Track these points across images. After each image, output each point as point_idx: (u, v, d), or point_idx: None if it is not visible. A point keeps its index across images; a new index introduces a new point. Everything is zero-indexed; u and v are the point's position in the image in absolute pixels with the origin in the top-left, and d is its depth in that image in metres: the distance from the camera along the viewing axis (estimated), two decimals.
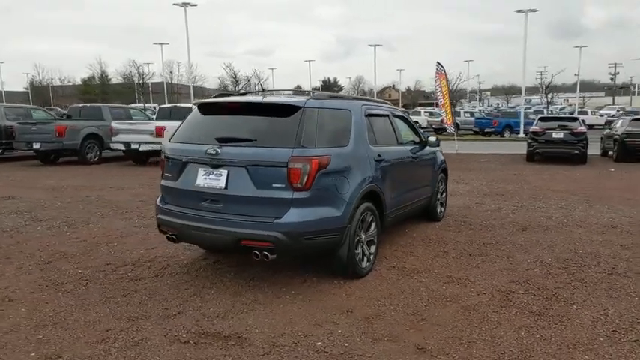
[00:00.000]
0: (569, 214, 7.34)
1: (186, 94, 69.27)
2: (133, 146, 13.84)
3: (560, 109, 49.42)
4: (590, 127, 38.04)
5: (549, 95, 39.94)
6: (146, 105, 37.18)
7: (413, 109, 41.35)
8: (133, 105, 30.11)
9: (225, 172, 3.93)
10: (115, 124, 14.15)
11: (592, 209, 7.69)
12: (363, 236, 4.39)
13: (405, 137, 5.74)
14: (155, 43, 54.87)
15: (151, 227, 6.33)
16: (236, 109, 4.32)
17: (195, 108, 4.54)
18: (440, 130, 26.48)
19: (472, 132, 30.23)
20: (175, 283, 4.29)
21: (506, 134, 29.34)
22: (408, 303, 3.87)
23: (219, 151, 3.93)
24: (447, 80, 20.18)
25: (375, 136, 4.82)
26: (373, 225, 4.55)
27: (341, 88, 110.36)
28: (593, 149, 16.74)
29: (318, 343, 3.19)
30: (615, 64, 72.53)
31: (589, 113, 42.15)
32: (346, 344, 3.18)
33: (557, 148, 14.86)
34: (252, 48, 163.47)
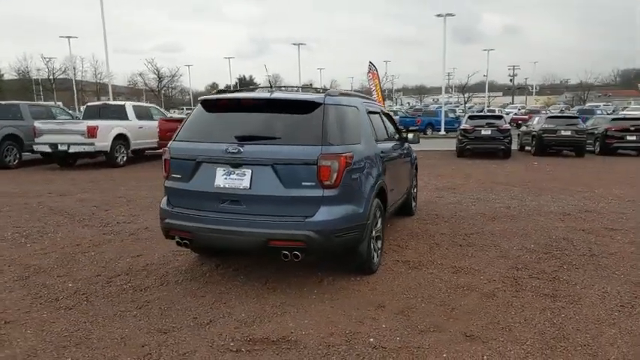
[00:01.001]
0: (523, 204, 7.94)
1: (90, 92, 64.66)
2: (61, 147, 12.71)
3: (469, 108, 53.11)
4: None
5: (466, 95, 42.72)
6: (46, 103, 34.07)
7: None
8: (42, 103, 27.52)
9: (248, 172, 3.78)
10: (38, 124, 12.90)
11: (539, 199, 8.39)
12: (373, 232, 4.45)
13: (391, 134, 5.88)
14: (62, 37, 50.19)
15: (122, 234, 5.92)
16: (251, 105, 4.17)
17: (199, 105, 4.30)
18: None
19: None
20: (187, 291, 4.05)
21: (429, 132, 30.93)
22: (431, 294, 3.99)
23: (241, 150, 3.77)
24: (379, 79, 20.85)
25: (376, 133, 4.90)
26: (380, 221, 4.62)
27: (257, 86, 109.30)
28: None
29: (371, 340, 3.19)
30: (514, 66, 79.23)
31: (496, 111, 45.65)
32: (397, 338, 3.22)
33: (486, 143, 15.98)
34: (161, 44, 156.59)
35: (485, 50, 50.08)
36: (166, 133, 13.52)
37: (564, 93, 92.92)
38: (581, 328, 3.35)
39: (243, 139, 3.83)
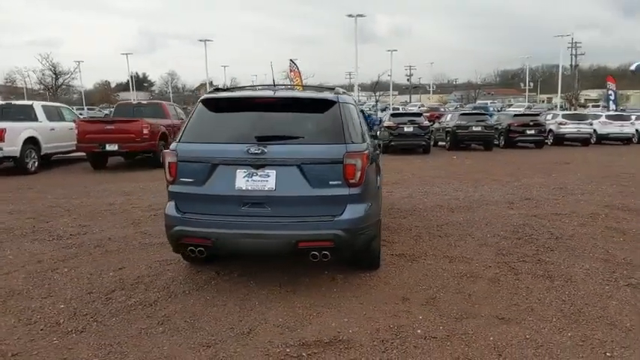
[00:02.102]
0: (468, 195, 8.56)
1: None
2: None
3: (372, 106, 55.32)
4: None
5: (377, 94, 44.48)
6: None
7: None
8: None
9: (273, 172, 3.67)
10: None
11: (479, 190, 9.10)
12: None
13: (367, 130, 6.01)
14: None
15: (86, 247, 5.41)
16: (264, 104, 4.03)
17: (199, 104, 4.06)
18: None
19: None
20: (203, 301, 3.83)
21: None
22: (443, 284, 4.19)
23: (265, 150, 3.64)
24: (301, 78, 21.01)
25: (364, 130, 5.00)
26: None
27: (152, 84, 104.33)
28: None
29: (418, 331, 3.29)
30: (410, 66, 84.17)
31: (400, 109, 48.16)
32: (440, 327, 3.35)
33: (409, 140, 16.87)
34: (36, 39, 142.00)
35: (389, 51, 52.62)
36: (86, 135, 12.47)
37: (453, 92, 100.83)
38: (588, 302, 3.75)
39: (264, 139, 3.71)
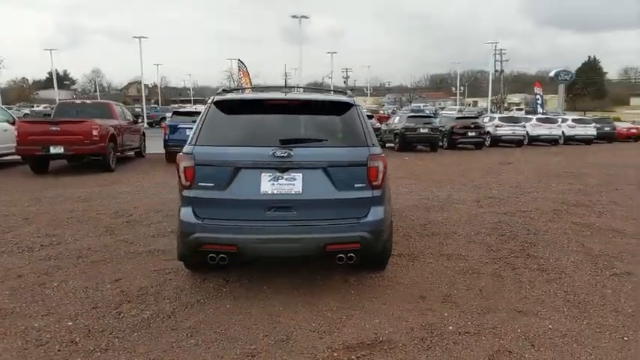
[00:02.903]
0: (435, 195, 8.90)
1: None
2: None
3: None
4: None
5: None
6: None
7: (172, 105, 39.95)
8: None
9: (299, 176, 3.63)
10: None
11: (443, 190, 9.49)
12: None
13: None
14: None
15: (66, 259, 5.04)
16: (282, 106, 3.96)
17: (211, 106, 3.93)
18: None
19: None
20: (225, 310, 3.71)
21: None
22: (451, 281, 4.35)
23: (291, 153, 3.60)
24: (250, 78, 20.77)
25: None
26: None
27: (73, 82, 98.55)
28: None
29: (450, 328, 3.41)
30: (347, 69, 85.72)
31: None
32: (469, 323, 3.49)
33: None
34: None
35: (329, 53, 53.24)
36: (28, 137, 11.54)
37: (387, 95, 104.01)
38: (587, 292, 4.06)
39: (288, 142, 3.66)
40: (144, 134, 16.34)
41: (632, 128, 27.01)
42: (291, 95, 4.24)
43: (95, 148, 11.77)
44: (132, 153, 14.91)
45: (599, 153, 19.17)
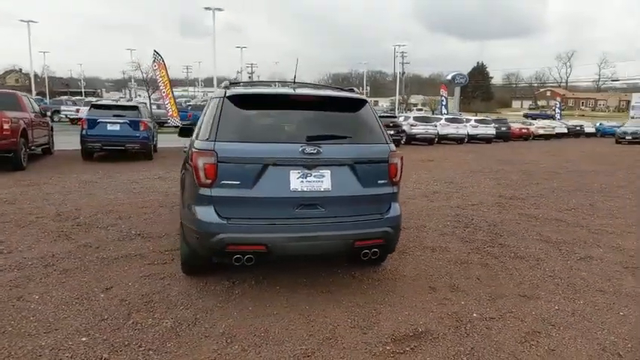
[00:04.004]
0: None
1: None
2: None
3: (203, 101, 53.80)
4: None
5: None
6: None
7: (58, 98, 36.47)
8: None
9: (327, 173, 3.60)
10: None
11: None
12: None
13: None
14: None
15: (30, 268, 4.50)
16: (300, 103, 3.87)
17: (225, 100, 3.73)
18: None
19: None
20: (249, 313, 3.58)
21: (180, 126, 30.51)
22: (448, 272, 4.60)
23: (320, 150, 3.55)
24: (167, 70, 19.71)
25: None
26: None
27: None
28: None
29: (475, 315, 3.62)
30: (252, 64, 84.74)
31: None
32: (487, 309, 3.74)
33: None
34: None
35: (238, 47, 52.23)
36: None
37: None
38: (569, 275, 4.55)
39: (315, 139, 3.61)
40: (52, 129, 14.84)
41: (523, 128, 30.23)
42: (310, 91, 4.18)
43: (7, 143, 10.45)
44: (39, 150, 13.45)
45: (502, 151, 21.17)
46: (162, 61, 19.53)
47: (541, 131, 31.38)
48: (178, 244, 5.28)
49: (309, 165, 3.57)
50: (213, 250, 3.51)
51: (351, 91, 4.28)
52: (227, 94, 3.76)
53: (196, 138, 3.96)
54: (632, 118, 37.16)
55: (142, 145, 13.31)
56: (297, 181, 3.54)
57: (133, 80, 54.49)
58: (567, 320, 3.55)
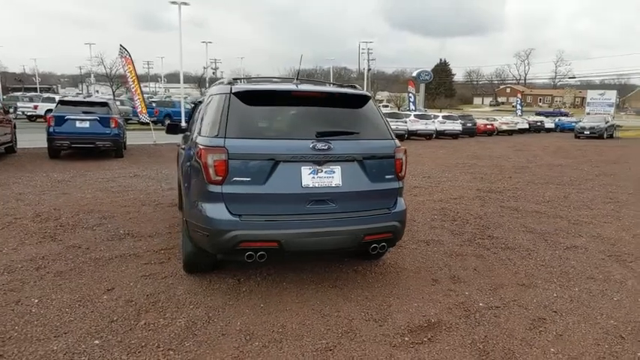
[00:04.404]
0: None
1: None
2: None
3: (167, 97, 52.35)
4: None
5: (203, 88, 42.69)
6: None
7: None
8: None
9: (337, 168, 3.62)
10: None
11: None
12: None
13: None
14: None
15: (19, 271, 4.33)
16: (307, 99, 3.86)
17: (231, 96, 3.68)
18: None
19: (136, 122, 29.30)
20: (261, 310, 3.57)
21: (167, 123, 29.91)
22: (446, 264, 4.71)
23: (331, 146, 3.57)
24: (134, 65, 19.12)
25: None
26: None
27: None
28: None
29: (481, 304, 3.74)
30: (215, 59, 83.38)
31: None
32: (491, 298, 3.87)
33: None
34: None
35: (203, 43, 51.37)
36: None
37: None
38: (560, 264, 4.75)
39: (325, 135, 3.62)
40: (15, 126, 14.19)
41: (487, 124, 31.09)
42: (316, 87, 4.18)
43: None
44: (2, 149, 12.85)
45: (470, 146, 21.71)
46: (130, 55, 18.92)
47: (504, 127, 32.38)
48: (171, 242, 5.21)
49: (319, 161, 3.58)
50: (225, 247, 3.47)
51: (353, 87, 4.31)
52: (233, 90, 3.71)
53: (199, 134, 3.90)
54: (588, 113, 38.85)
55: (114, 143, 12.93)
56: (309, 177, 3.55)
57: (92, 76, 52.59)
58: (567, 307, 3.72)
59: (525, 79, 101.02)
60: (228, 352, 2.94)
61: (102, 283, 4.04)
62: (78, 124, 12.44)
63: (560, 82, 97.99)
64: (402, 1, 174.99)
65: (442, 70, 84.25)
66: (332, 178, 3.61)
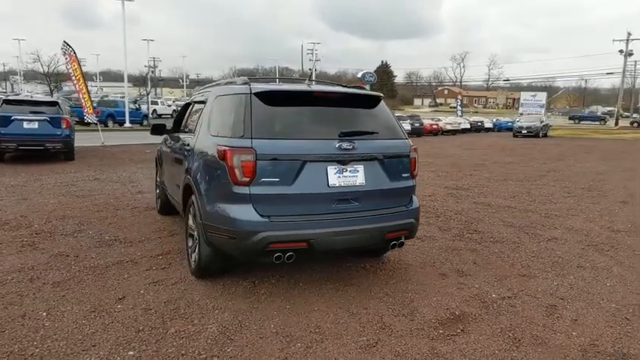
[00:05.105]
0: None
1: None
2: None
3: (103, 97, 50.06)
4: (159, 115, 42.07)
5: (149, 88, 41.00)
6: None
7: None
8: None
9: (360, 168, 3.67)
10: None
11: None
12: None
13: None
14: None
15: (14, 282, 4.06)
16: (325, 99, 3.87)
17: (252, 97, 3.63)
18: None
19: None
20: (290, 312, 3.55)
21: (110, 124, 28.65)
22: (447, 258, 4.89)
23: (355, 146, 3.62)
24: (79, 64, 18.12)
25: None
26: None
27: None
28: None
29: (494, 295, 3.93)
30: (154, 58, 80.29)
31: (159, 103, 46.01)
32: (501, 290, 4.07)
33: None
34: None
35: (145, 40, 49.46)
36: None
37: (196, 87, 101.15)
38: (549, 255, 5.06)
39: (348, 135, 3.66)
40: None
41: (433, 124, 32.29)
42: (335, 88, 4.21)
43: None
44: None
45: (421, 145, 22.25)
46: (74, 52, 17.90)
47: (449, 127, 33.76)
48: (164, 247, 5.04)
49: (344, 160, 3.62)
50: (254, 249, 3.42)
51: (360, 88, 4.38)
52: (253, 91, 3.66)
53: (214, 135, 3.81)
54: (521, 114, 41.31)
55: (65, 145, 12.20)
56: (335, 177, 3.58)
57: (20, 73, 49.08)
58: (571, 294, 3.99)
59: (461, 81, 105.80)
60: (273, 355, 2.91)
61: (109, 292, 3.85)
62: (26, 124, 11.64)
63: (493, 84, 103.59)
64: (339, 2, 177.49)
65: (384, 71, 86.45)
66: (356, 177, 3.66)
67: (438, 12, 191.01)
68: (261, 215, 3.42)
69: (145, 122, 31.30)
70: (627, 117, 57.45)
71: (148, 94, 38.57)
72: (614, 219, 6.78)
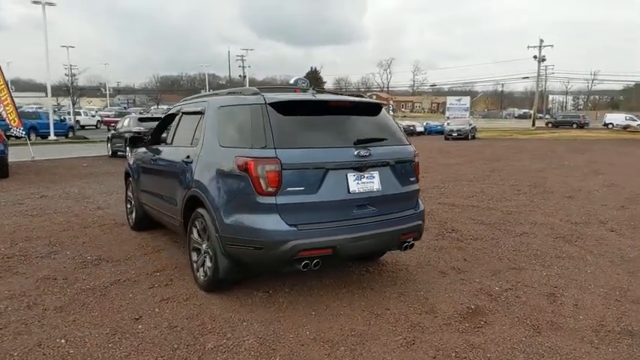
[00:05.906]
0: None
1: None
2: None
3: (59, 109, 47.01)
4: (83, 127, 39.86)
5: (76, 98, 38.25)
6: None
7: None
8: None
9: (376, 174, 3.81)
10: None
11: None
12: None
13: None
14: None
15: (6, 313, 3.77)
16: (338, 107, 3.98)
17: (268, 107, 3.66)
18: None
19: None
20: (318, 319, 3.60)
21: (33, 137, 26.62)
22: (438, 258, 5.15)
23: (371, 153, 3.75)
24: (2, 72, 16.75)
25: None
26: None
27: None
28: None
29: (496, 289, 4.22)
30: (71, 66, 75.80)
31: (82, 114, 43.47)
32: (499, 282, 4.37)
33: None
34: None
35: (64, 47, 46.49)
36: None
37: (117, 96, 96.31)
38: (527, 248, 5.48)
39: (363, 142, 3.79)
40: None
41: None
42: (346, 97, 4.30)
43: None
44: None
45: None
46: None
47: None
48: (157, 264, 4.88)
49: (361, 167, 3.74)
50: (283, 258, 3.44)
51: (361, 96, 4.53)
52: (268, 101, 3.69)
53: (229, 146, 3.79)
54: (448, 118, 43.67)
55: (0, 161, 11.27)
56: (354, 183, 3.69)
57: None
58: (561, 282, 4.38)
59: (388, 87, 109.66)
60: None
61: (121, 313, 3.69)
62: None
63: (418, 90, 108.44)
64: (263, 10, 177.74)
65: (314, 77, 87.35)
66: (373, 183, 3.79)
67: (362, 19, 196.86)
68: (289, 224, 3.45)
69: (70, 134, 29.45)
70: (540, 118, 62.38)
71: (73, 105, 36.25)
72: (569, 212, 7.44)
